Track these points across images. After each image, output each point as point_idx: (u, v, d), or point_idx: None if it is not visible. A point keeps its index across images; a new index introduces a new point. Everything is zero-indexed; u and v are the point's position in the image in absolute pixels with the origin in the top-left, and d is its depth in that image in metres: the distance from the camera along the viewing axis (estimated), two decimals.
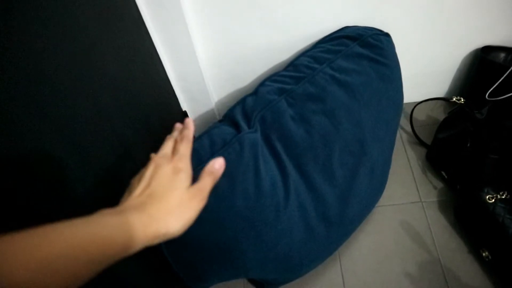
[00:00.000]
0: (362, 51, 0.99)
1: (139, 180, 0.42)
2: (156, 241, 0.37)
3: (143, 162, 0.71)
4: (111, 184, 0.67)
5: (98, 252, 0.31)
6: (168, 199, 0.39)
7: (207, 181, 0.44)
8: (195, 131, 0.55)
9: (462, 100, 1.16)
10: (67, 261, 0.29)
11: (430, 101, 1.34)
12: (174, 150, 0.48)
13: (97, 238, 0.32)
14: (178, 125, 0.55)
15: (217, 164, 0.46)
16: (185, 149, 0.48)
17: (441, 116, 1.34)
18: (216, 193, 0.80)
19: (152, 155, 0.47)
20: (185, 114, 1.22)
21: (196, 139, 0.86)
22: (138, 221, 0.35)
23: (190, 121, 0.53)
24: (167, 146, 0.49)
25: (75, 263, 0.29)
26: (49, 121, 0.47)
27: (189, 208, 0.41)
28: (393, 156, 1.14)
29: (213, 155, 0.81)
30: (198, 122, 1.31)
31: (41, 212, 0.46)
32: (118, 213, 0.36)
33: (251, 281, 1.09)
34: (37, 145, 0.45)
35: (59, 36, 0.51)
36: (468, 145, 1.08)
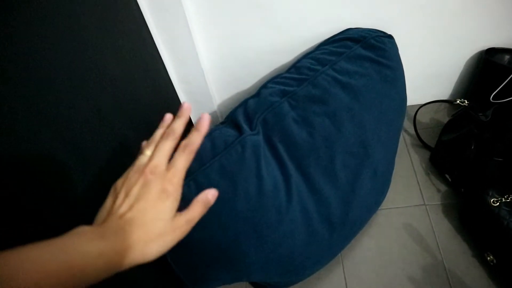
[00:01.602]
0: (365, 53, 0.98)
1: (126, 195, 0.38)
2: (130, 266, 0.36)
3: None
4: (111, 185, 0.66)
5: (71, 279, 0.31)
6: (148, 229, 0.37)
7: (197, 211, 0.42)
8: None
9: (466, 103, 1.15)
10: None
11: (433, 104, 1.33)
12: (171, 159, 0.41)
13: (71, 267, 0.31)
14: (185, 110, 0.45)
15: (211, 195, 0.43)
16: (184, 162, 0.41)
17: (445, 118, 1.33)
18: (218, 195, 0.80)
19: (144, 145, 0.42)
20: None
21: None
22: (112, 250, 0.34)
23: (206, 119, 0.44)
24: (164, 153, 0.41)
25: None
26: (48, 122, 0.47)
27: (171, 238, 0.38)
28: (397, 159, 1.13)
29: (214, 157, 0.81)
30: None
31: (41, 213, 0.46)
32: (96, 235, 0.34)
33: (253, 284, 1.08)
34: (36, 146, 0.45)
35: (58, 36, 0.51)
36: (472, 147, 1.07)
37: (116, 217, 0.37)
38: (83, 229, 0.34)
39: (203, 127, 0.43)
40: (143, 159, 0.41)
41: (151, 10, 0.90)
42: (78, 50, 0.56)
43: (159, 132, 0.45)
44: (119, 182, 0.40)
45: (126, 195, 0.38)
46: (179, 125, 0.44)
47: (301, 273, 0.97)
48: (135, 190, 0.38)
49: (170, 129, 0.43)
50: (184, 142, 0.42)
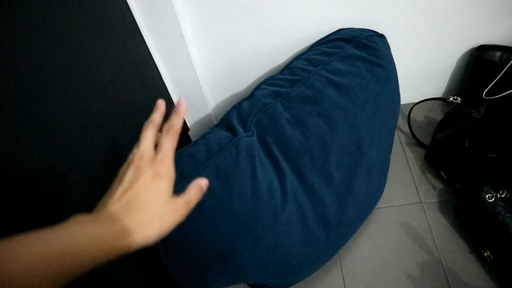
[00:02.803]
0: (357, 53, 0.99)
1: (119, 183, 0.39)
2: (130, 251, 0.36)
3: None
4: (105, 188, 0.66)
5: (64, 265, 0.30)
6: (146, 210, 0.37)
7: (194, 194, 0.42)
8: (185, 118, 0.47)
9: (459, 100, 1.15)
10: (32, 277, 0.28)
11: (427, 102, 1.34)
12: (157, 145, 0.42)
13: (64, 252, 0.31)
14: (161, 104, 0.46)
15: (203, 182, 0.44)
16: (170, 144, 0.42)
17: (438, 116, 1.34)
18: (213, 197, 0.80)
19: (135, 149, 0.43)
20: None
21: (192, 144, 0.86)
22: (111, 233, 0.34)
23: (182, 104, 0.45)
24: (147, 139, 0.42)
25: (40, 278, 0.29)
26: (38, 128, 0.46)
27: (171, 218, 0.39)
28: (392, 158, 1.13)
29: (209, 160, 0.81)
30: (196, 127, 1.31)
31: (35, 218, 0.45)
32: (91, 221, 0.34)
33: (251, 286, 1.08)
34: (28, 150, 0.45)
35: (51, 41, 0.51)
36: (466, 144, 1.08)
37: (111, 202, 0.37)
38: (79, 217, 0.34)
39: (182, 110, 0.45)
40: (132, 154, 0.42)
41: (143, 14, 0.90)
42: (70, 55, 0.56)
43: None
44: (115, 179, 0.41)
45: (120, 183, 0.38)
46: (157, 116, 0.45)
47: (299, 273, 0.97)
48: (127, 177, 0.39)
49: (150, 121, 0.45)
50: (166, 126, 0.44)
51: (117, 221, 0.35)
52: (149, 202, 0.37)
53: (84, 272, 0.32)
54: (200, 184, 0.44)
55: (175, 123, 0.44)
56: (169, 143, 0.42)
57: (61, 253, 0.30)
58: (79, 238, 0.32)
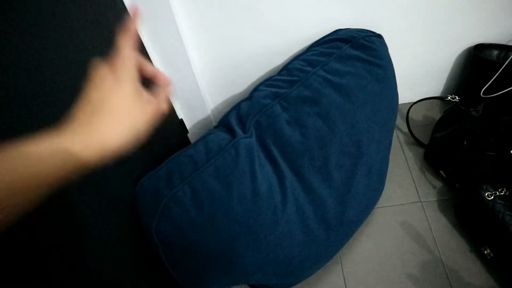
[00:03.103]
0: (355, 53, 0.99)
1: (84, 96, 0.38)
2: (112, 153, 0.36)
3: (138, 170, 0.71)
4: (106, 191, 0.66)
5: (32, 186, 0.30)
6: (111, 113, 0.36)
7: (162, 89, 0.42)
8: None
9: (457, 99, 1.16)
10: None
11: (425, 101, 1.34)
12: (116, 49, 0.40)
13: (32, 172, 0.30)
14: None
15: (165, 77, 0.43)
16: (127, 45, 0.40)
17: (437, 115, 1.34)
18: (213, 198, 0.80)
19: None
20: (181, 123, 1.22)
21: (192, 146, 0.86)
22: (78, 142, 0.33)
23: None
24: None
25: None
26: (36, 127, 0.47)
27: (139, 118, 0.38)
28: (391, 157, 1.13)
29: (208, 161, 0.81)
30: (195, 129, 1.31)
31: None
32: (57, 135, 0.33)
33: (252, 286, 1.08)
34: None
35: (48, 40, 0.51)
36: (465, 143, 1.08)
37: (76, 114, 0.36)
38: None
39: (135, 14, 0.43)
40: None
41: (141, 16, 0.90)
42: (69, 56, 0.56)
43: None
44: None
45: (84, 95, 0.38)
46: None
47: (299, 273, 0.97)
48: (87, 87, 0.38)
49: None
50: (121, 28, 0.41)
51: (80, 127, 0.35)
52: (114, 106, 0.37)
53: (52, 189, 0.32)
54: (164, 78, 0.43)
55: (131, 26, 0.41)
56: (127, 44, 0.40)
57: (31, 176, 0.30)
58: (44, 151, 0.31)
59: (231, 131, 0.88)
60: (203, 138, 0.87)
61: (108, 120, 0.36)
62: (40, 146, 0.31)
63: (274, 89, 0.94)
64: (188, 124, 1.28)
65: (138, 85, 0.40)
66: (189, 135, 1.30)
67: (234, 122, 0.89)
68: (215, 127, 0.95)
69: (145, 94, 0.40)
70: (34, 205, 0.30)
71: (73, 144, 0.33)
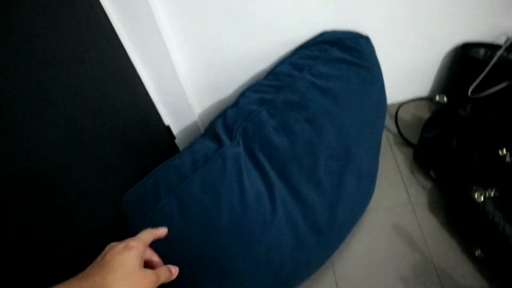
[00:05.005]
0: (342, 56, 0.98)
1: (100, 254, 0.47)
2: None
3: (127, 177, 0.71)
4: (95, 201, 0.65)
5: None
6: (116, 270, 0.43)
7: (165, 273, 0.50)
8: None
9: (445, 99, 1.15)
10: None
11: (414, 101, 1.34)
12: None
13: None
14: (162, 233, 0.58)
15: (175, 269, 0.53)
16: (145, 235, 0.53)
17: (426, 115, 1.34)
18: (201, 210, 0.78)
19: None
20: (168, 129, 1.20)
21: (178, 156, 0.84)
22: (94, 286, 0.41)
23: (163, 233, 0.57)
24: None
25: None
26: (20, 147, 0.45)
27: (138, 279, 0.45)
28: (381, 159, 1.13)
29: (195, 172, 0.79)
30: (182, 135, 1.29)
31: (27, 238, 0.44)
32: (78, 280, 0.42)
33: None
34: (5, 164, 0.43)
35: (23, 52, 0.48)
36: (454, 143, 1.08)
37: (91, 265, 0.45)
38: (71, 279, 0.42)
39: (162, 234, 0.58)
40: None
41: (120, 19, 0.87)
42: (45, 67, 0.54)
43: None
44: None
45: (100, 254, 0.47)
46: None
47: (292, 281, 0.96)
48: (106, 249, 0.48)
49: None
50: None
51: (90, 278, 0.42)
52: (119, 265, 0.44)
53: None
54: (171, 269, 0.52)
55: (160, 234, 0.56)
56: (146, 234, 0.53)
57: None
58: None
59: (217, 140, 0.86)
60: (189, 148, 0.85)
61: (111, 273, 0.43)
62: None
63: (260, 95, 0.92)
64: (174, 130, 1.25)
65: (142, 256, 0.48)
66: (176, 141, 1.28)
67: (220, 130, 0.87)
68: (202, 135, 0.93)
69: (151, 271, 0.48)
70: None
71: (90, 286, 0.42)
